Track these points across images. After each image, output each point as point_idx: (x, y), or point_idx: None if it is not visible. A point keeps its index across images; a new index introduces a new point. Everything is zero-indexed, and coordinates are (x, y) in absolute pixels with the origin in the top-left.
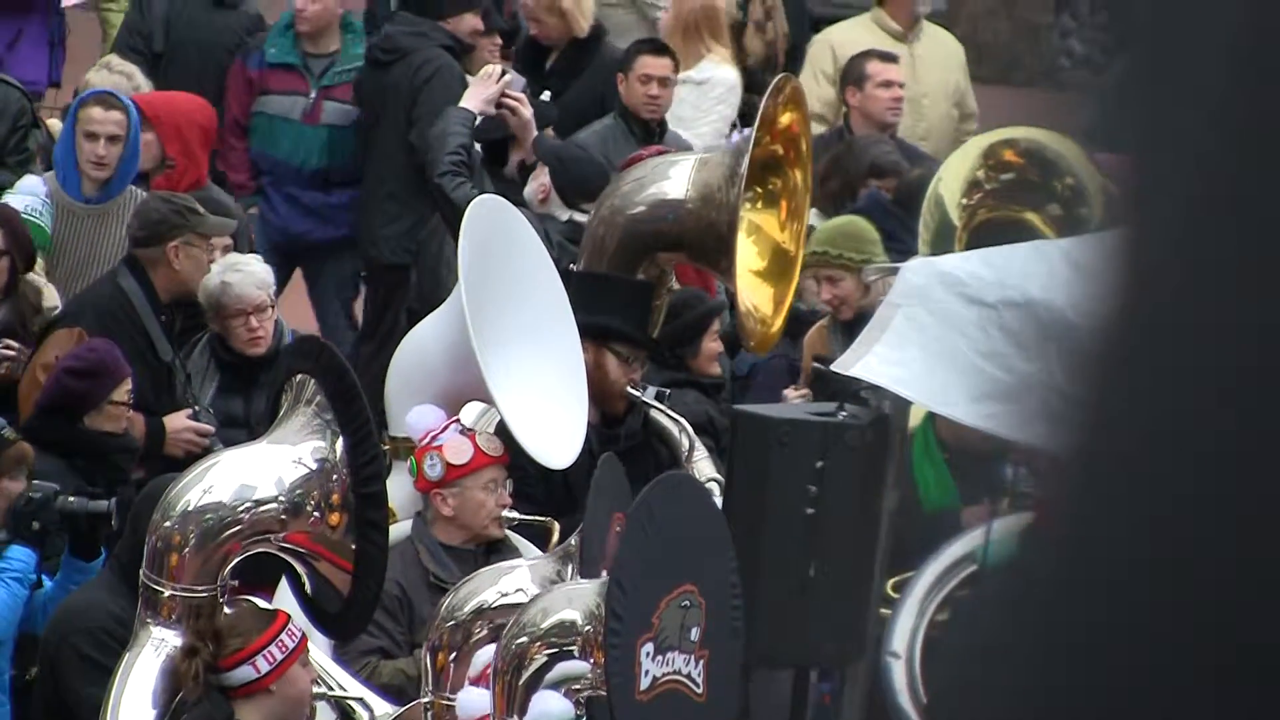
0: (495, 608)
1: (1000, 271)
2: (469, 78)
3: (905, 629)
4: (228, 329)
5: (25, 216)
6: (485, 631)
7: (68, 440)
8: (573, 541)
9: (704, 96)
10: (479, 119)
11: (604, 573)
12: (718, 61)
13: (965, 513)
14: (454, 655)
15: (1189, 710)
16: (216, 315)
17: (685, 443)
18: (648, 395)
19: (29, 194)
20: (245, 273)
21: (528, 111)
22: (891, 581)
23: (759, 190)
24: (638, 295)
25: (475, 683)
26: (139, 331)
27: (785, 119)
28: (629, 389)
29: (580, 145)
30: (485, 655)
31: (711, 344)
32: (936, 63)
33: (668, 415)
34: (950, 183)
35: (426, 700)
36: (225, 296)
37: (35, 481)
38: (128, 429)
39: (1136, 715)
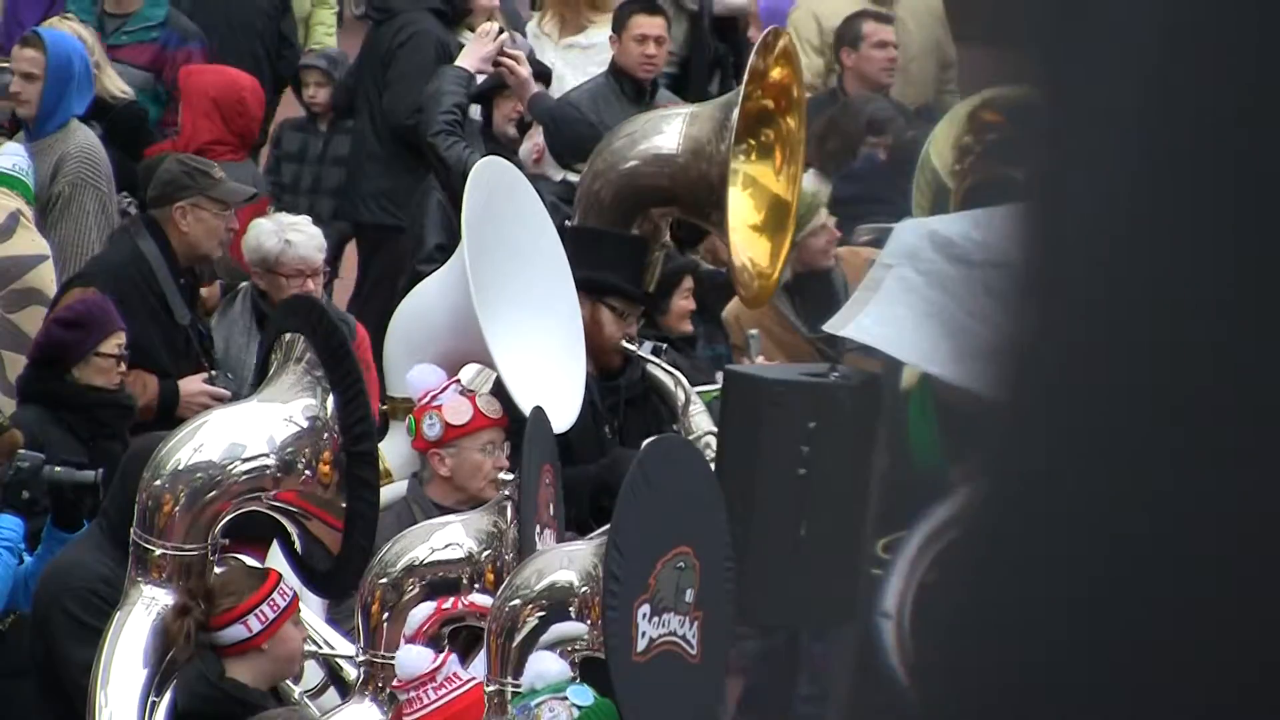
0: (426, 564)
1: (986, 230)
2: (465, 37)
3: (897, 589)
4: (280, 288)
5: (11, 175)
6: (417, 589)
7: (55, 393)
8: (506, 492)
9: (589, 61)
10: (476, 77)
11: (540, 526)
12: (602, 27)
13: (953, 471)
14: (387, 613)
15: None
16: (270, 274)
17: (681, 396)
18: (644, 350)
19: (14, 155)
20: (307, 234)
21: (525, 70)
22: (882, 542)
23: (752, 143)
24: (632, 250)
25: (411, 640)
26: (155, 294)
27: (776, 73)
28: (624, 343)
29: (573, 105)
30: (420, 612)
31: (683, 302)
32: (920, 23)
33: (664, 369)
34: (941, 149)
35: (361, 659)
36: (286, 256)
37: (22, 451)
38: (121, 385)
39: (1091, 695)
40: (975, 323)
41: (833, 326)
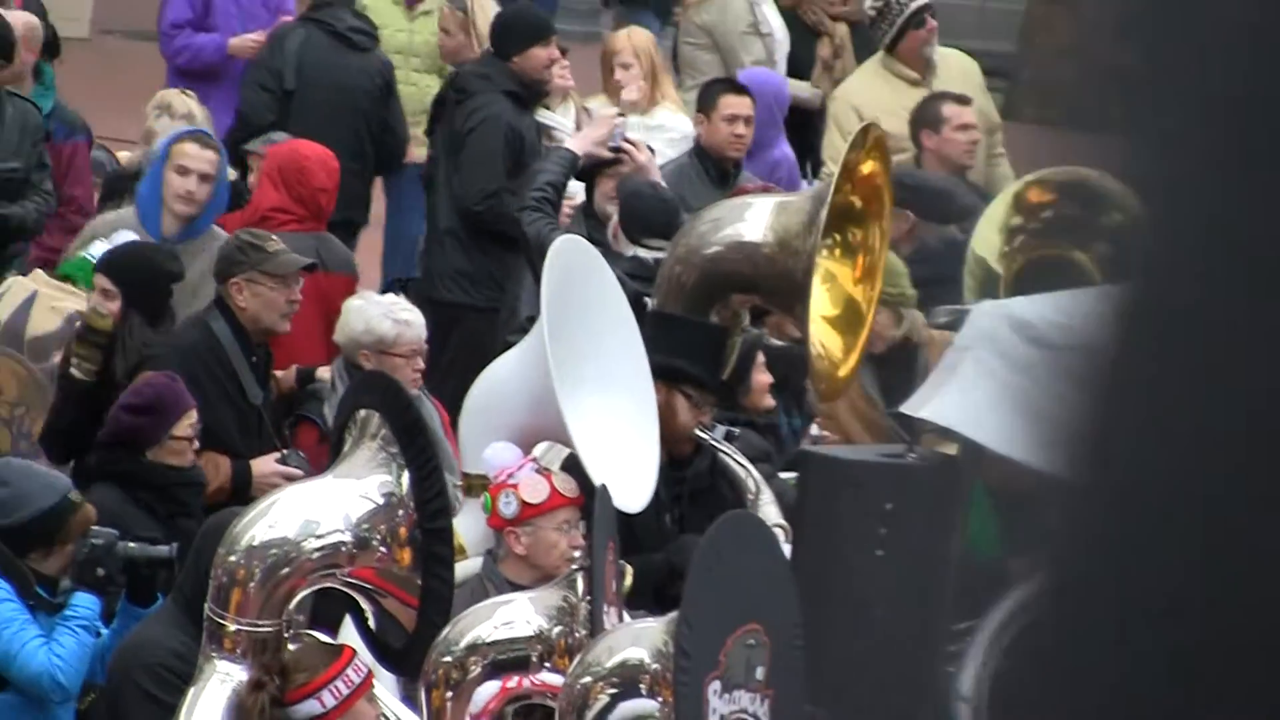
0: (490, 642)
1: (1066, 313)
2: (543, 116)
3: (973, 673)
4: (393, 368)
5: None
6: (480, 667)
7: (132, 473)
8: (574, 567)
9: (655, 140)
10: (579, 160)
11: (608, 608)
12: (672, 109)
13: (1010, 562)
14: (451, 692)
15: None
16: (384, 355)
17: (752, 486)
18: (716, 435)
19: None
20: (415, 314)
21: (644, 155)
22: (959, 626)
23: (837, 238)
24: (710, 338)
25: (475, 719)
26: (228, 374)
27: (867, 168)
28: (698, 431)
29: (652, 184)
30: (485, 691)
31: (761, 377)
32: (965, 90)
33: (734, 458)
34: (986, 237)
35: None
36: (404, 338)
37: (95, 528)
38: (195, 464)
39: None
40: (1056, 407)
41: (910, 408)
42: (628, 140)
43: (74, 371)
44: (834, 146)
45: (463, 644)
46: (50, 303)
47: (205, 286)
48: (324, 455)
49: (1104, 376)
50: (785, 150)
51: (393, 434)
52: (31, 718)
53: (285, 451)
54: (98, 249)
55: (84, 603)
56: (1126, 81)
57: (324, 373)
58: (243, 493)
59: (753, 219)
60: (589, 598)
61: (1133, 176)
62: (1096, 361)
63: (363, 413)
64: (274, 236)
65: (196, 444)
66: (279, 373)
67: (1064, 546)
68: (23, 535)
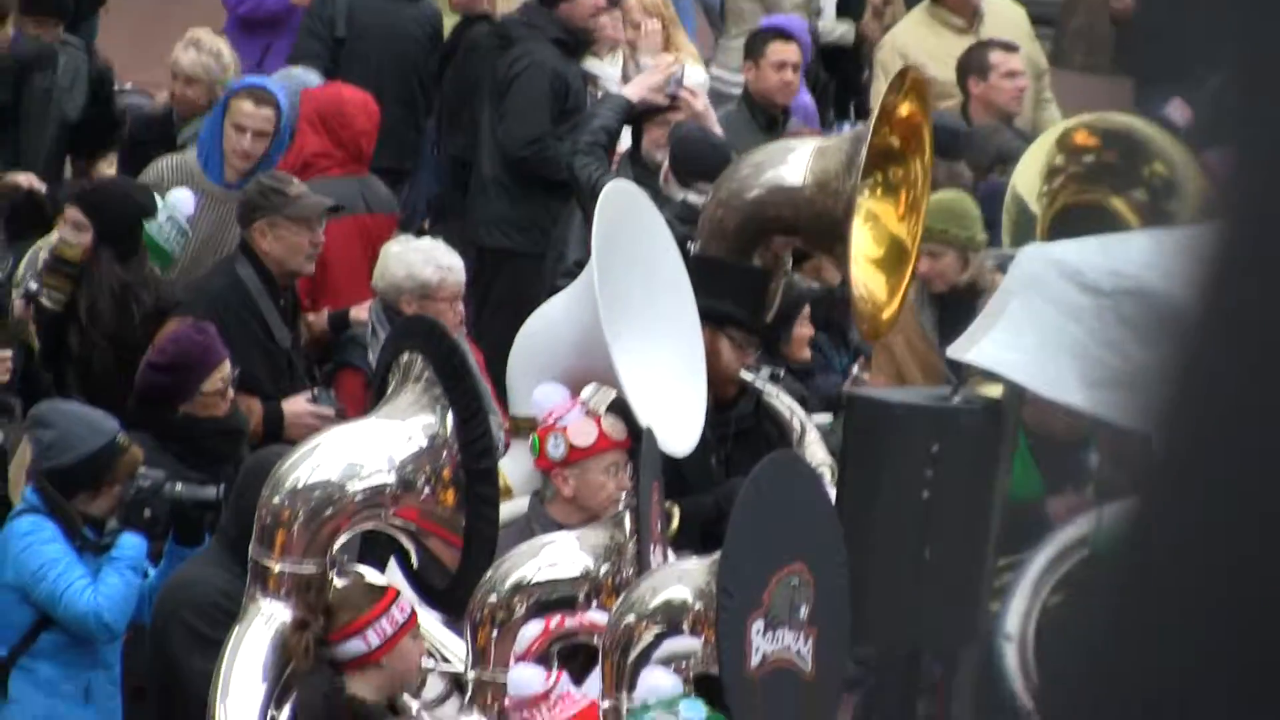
0: (534, 582)
1: (1117, 260)
2: (589, 65)
3: (1019, 611)
4: (436, 314)
5: (148, 234)
6: (525, 607)
7: (164, 426)
8: (620, 507)
9: None
10: (635, 107)
11: (654, 546)
12: (689, 62)
13: (1049, 501)
14: (496, 631)
15: None
16: (426, 300)
17: (797, 426)
18: (761, 378)
19: (170, 205)
20: (456, 260)
21: (701, 103)
22: (1004, 564)
23: (879, 177)
24: (753, 281)
25: (520, 659)
26: (255, 318)
27: (905, 109)
28: (742, 373)
29: (703, 129)
30: (530, 631)
31: (803, 330)
32: (1013, 37)
33: (780, 399)
34: (1026, 176)
35: (471, 675)
36: (447, 282)
37: (143, 469)
38: (232, 411)
39: (1243, 702)
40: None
41: (956, 351)
42: (685, 88)
43: (43, 300)
44: (881, 93)
45: (508, 584)
46: None
47: None
48: (370, 400)
49: (1196, 328)
50: (804, 98)
51: (436, 376)
52: (77, 656)
53: (315, 391)
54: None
55: (130, 544)
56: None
57: (358, 314)
58: (275, 434)
59: (793, 162)
60: (635, 537)
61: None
62: (1186, 313)
63: (406, 356)
64: (295, 180)
65: (231, 393)
66: (310, 316)
67: (1148, 499)
68: (70, 477)
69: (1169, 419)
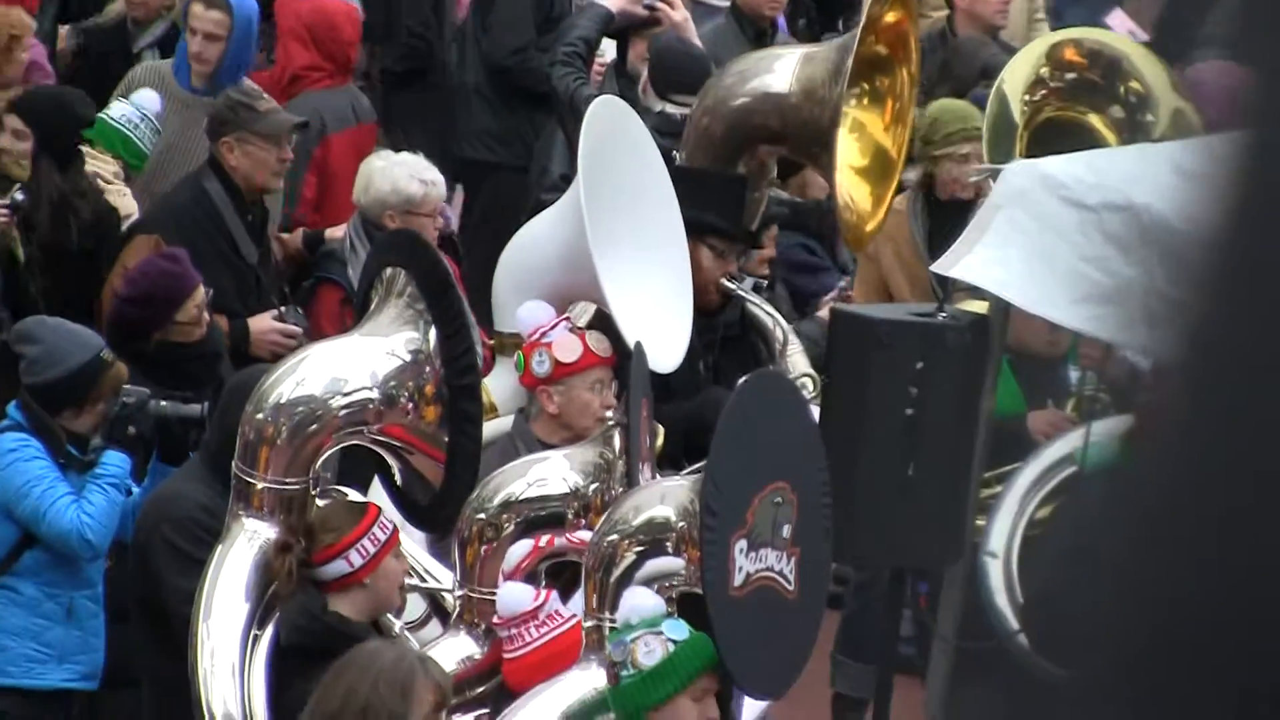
0: (523, 500)
1: (1102, 175)
2: None
3: (1003, 528)
4: (420, 227)
5: (115, 124)
6: (514, 525)
7: (139, 354)
8: (612, 421)
9: None
10: (615, 18)
11: (642, 464)
12: None
13: (1030, 417)
14: (484, 549)
15: None
16: (410, 215)
17: (779, 335)
18: (744, 287)
19: (138, 105)
20: (437, 175)
21: (677, 14)
22: (987, 482)
23: (865, 86)
24: (733, 189)
25: (509, 577)
26: (222, 234)
27: (891, 17)
28: (723, 281)
29: (682, 40)
30: (518, 549)
31: (766, 250)
32: None
33: (762, 308)
34: (1014, 80)
35: (459, 593)
36: (430, 197)
37: (128, 386)
38: (207, 333)
39: (1238, 620)
40: (1092, 267)
41: (941, 266)
42: None
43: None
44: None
45: (496, 501)
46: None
47: None
48: (348, 316)
49: (1216, 244)
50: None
51: (420, 291)
52: (60, 576)
53: (283, 309)
54: (116, 109)
55: (114, 461)
56: None
57: (333, 232)
58: (241, 352)
59: (779, 70)
60: (625, 455)
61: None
62: (1206, 227)
63: (389, 271)
64: (265, 95)
65: (207, 316)
66: (284, 235)
67: (1166, 410)
68: (54, 393)
69: (1175, 332)
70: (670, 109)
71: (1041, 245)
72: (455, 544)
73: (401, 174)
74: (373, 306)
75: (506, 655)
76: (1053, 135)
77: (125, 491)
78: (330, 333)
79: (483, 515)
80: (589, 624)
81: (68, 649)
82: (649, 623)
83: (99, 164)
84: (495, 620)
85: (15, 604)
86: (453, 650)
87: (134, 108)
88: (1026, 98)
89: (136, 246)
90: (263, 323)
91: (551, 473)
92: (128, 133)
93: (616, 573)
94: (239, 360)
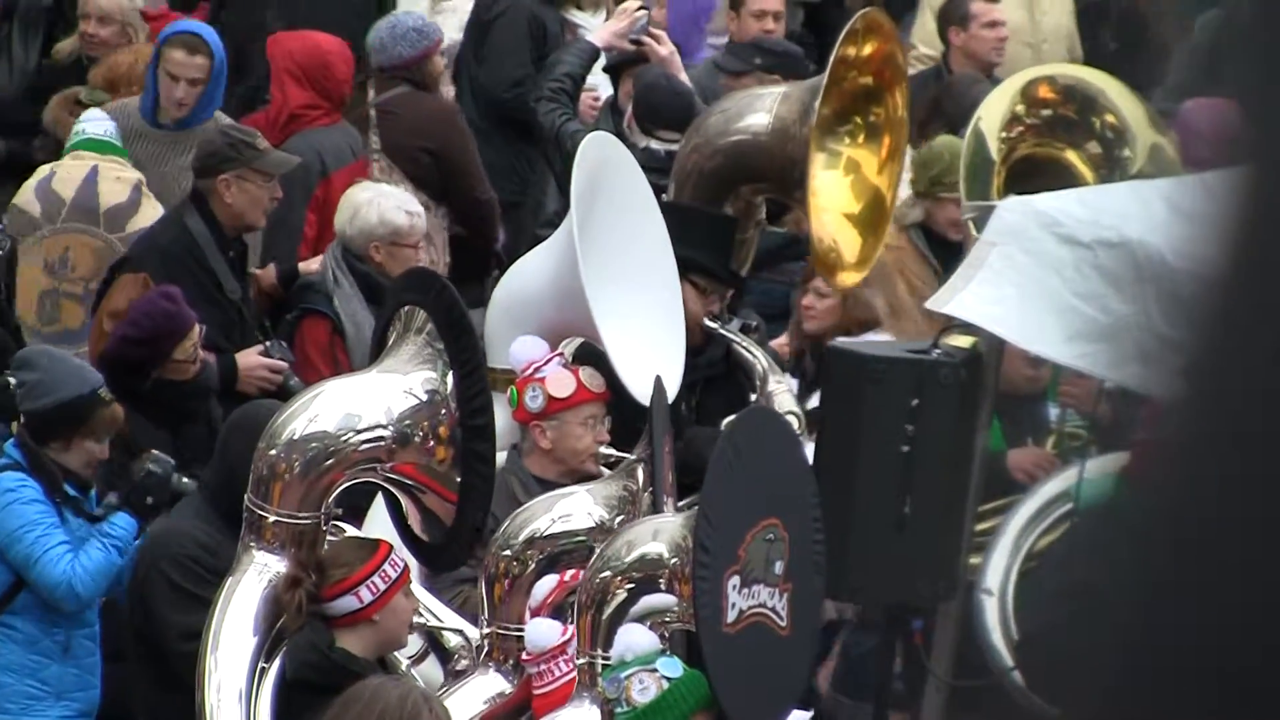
0: (547, 536)
1: (1096, 211)
2: (571, 14)
3: (999, 566)
4: (403, 259)
5: (108, 141)
6: (538, 561)
7: (135, 392)
8: (635, 456)
9: (446, 23)
10: (604, 54)
11: (666, 497)
12: None
13: (1010, 455)
14: (510, 585)
15: None
16: (395, 246)
17: (760, 371)
18: (731, 327)
19: (100, 120)
20: (420, 207)
21: (663, 49)
22: (983, 522)
23: (859, 121)
24: (720, 228)
25: (536, 613)
26: (205, 271)
27: (868, 50)
28: (706, 320)
29: (667, 75)
30: (544, 585)
31: None
32: (1054, 6)
33: (746, 347)
34: (990, 117)
35: (486, 631)
36: (416, 227)
37: (156, 453)
38: (200, 372)
39: (1231, 661)
40: (1086, 304)
41: (935, 303)
42: (650, 33)
43: None
44: (924, 29)
45: (521, 537)
46: (113, 174)
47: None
48: (339, 348)
49: (1220, 281)
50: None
51: (438, 330)
52: (57, 614)
53: (268, 343)
54: (92, 126)
55: (124, 524)
56: None
57: (307, 266)
58: (229, 387)
59: (759, 109)
60: (650, 489)
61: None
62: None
63: (407, 308)
64: (259, 133)
65: (199, 354)
66: (258, 271)
67: (1162, 450)
68: (46, 422)
69: (1175, 373)
70: (655, 145)
71: (1036, 282)
72: (482, 581)
73: (389, 205)
74: (390, 342)
75: (536, 691)
76: (1030, 172)
77: (123, 555)
78: (321, 364)
79: (508, 552)
80: (582, 661)
81: (65, 686)
82: (643, 660)
83: (127, 171)
84: (524, 656)
85: (13, 641)
86: (482, 688)
87: (106, 121)
88: (1003, 135)
89: (123, 285)
90: (250, 358)
91: (576, 508)
92: (115, 143)
93: (609, 610)
94: (225, 397)
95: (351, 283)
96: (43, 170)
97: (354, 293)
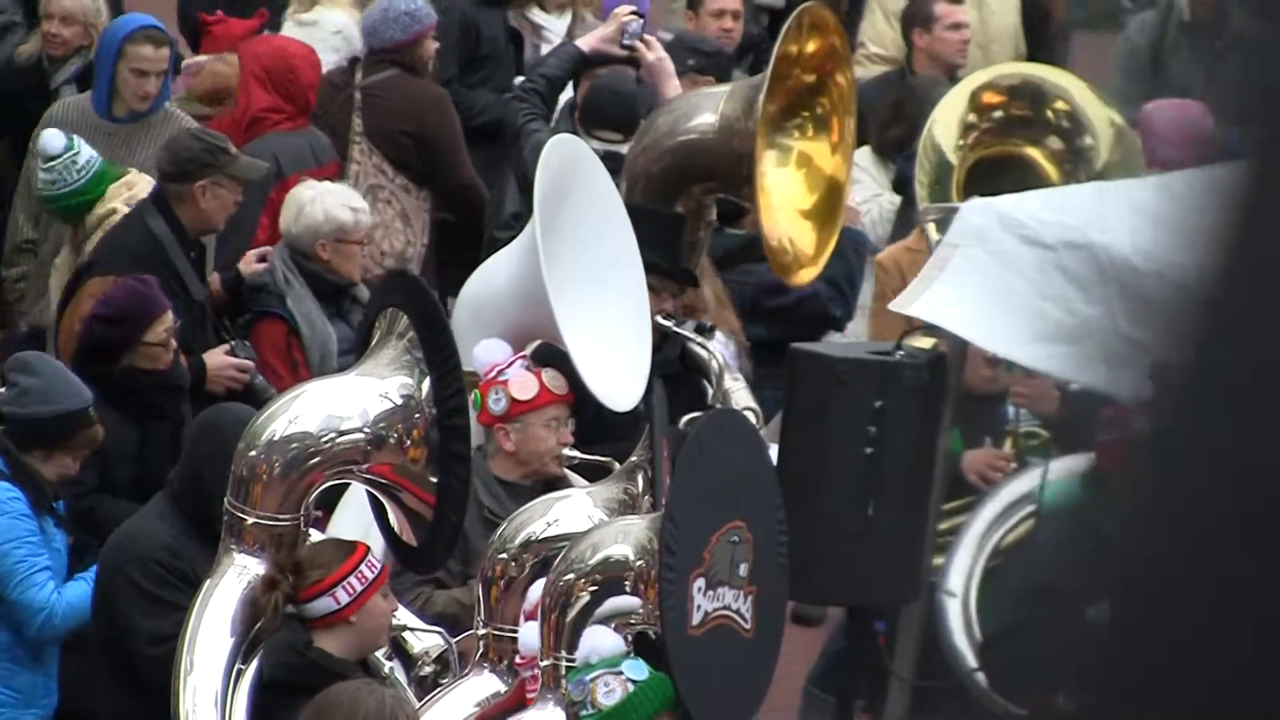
0: (542, 539)
1: (1060, 213)
2: (538, 16)
3: (962, 567)
4: (347, 256)
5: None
6: (532, 565)
7: (106, 379)
8: (635, 460)
9: (311, 38)
10: (589, 57)
11: (664, 500)
12: (329, 5)
13: (965, 457)
14: (505, 587)
15: (1251, 660)
16: (341, 243)
17: (716, 367)
18: (686, 328)
19: (46, 157)
20: (364, 204)
21: (651, 55)
22: (945, 523)
23: (805, 115)
24: (669, 226)
25: (530, 616)
26: (170, 273)
27: (811, 46)
28: (659, 319)
29: (611, 76)
30: (538, 588)
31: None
32: (1002, 6)
33: (700, 345)
34: (944, 126)
35: (482, 632)
36: (360, 225)
37: None
38: (173, 365)
39: (1196, 661)
40: (1050, 305)
41: (899, 305)
42: (641, 38)
43: None
44: (874, 28)
45: (517, 541)
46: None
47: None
48: (295, 348)
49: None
50: None
51: (415, 332)
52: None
53: (233, 343)
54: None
55: None
56: None
57: (245, 268)
58: (198, 387)
59: (706, 108)
60: (650, 492)
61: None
62: (1199, 263)
63: (390, 310)
64: (227, 138)
65: (173, 344)
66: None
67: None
68: (33, 429)
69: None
70: (595, 145)
71: (1000, 283)
72: (479, 583)
73: (333, 202)
74: (373, 344)
75: (530, 693)
76: (993, 172)
77: None
78: (279, 366)
79: (504, 555)
80: (546, 663)
81: (35, 693)
82: (608, 662)
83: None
84: (518, 659)
85: None
86: (477, 689)
87: (47, 168)
88: (960, 141)
89: (91, 288)
90: (217, 358)
91: (572, 511)
92: (55, 193)
93: (573, 612)
94: (193, 397)
95: (302, 283)
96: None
97: (305, 292)
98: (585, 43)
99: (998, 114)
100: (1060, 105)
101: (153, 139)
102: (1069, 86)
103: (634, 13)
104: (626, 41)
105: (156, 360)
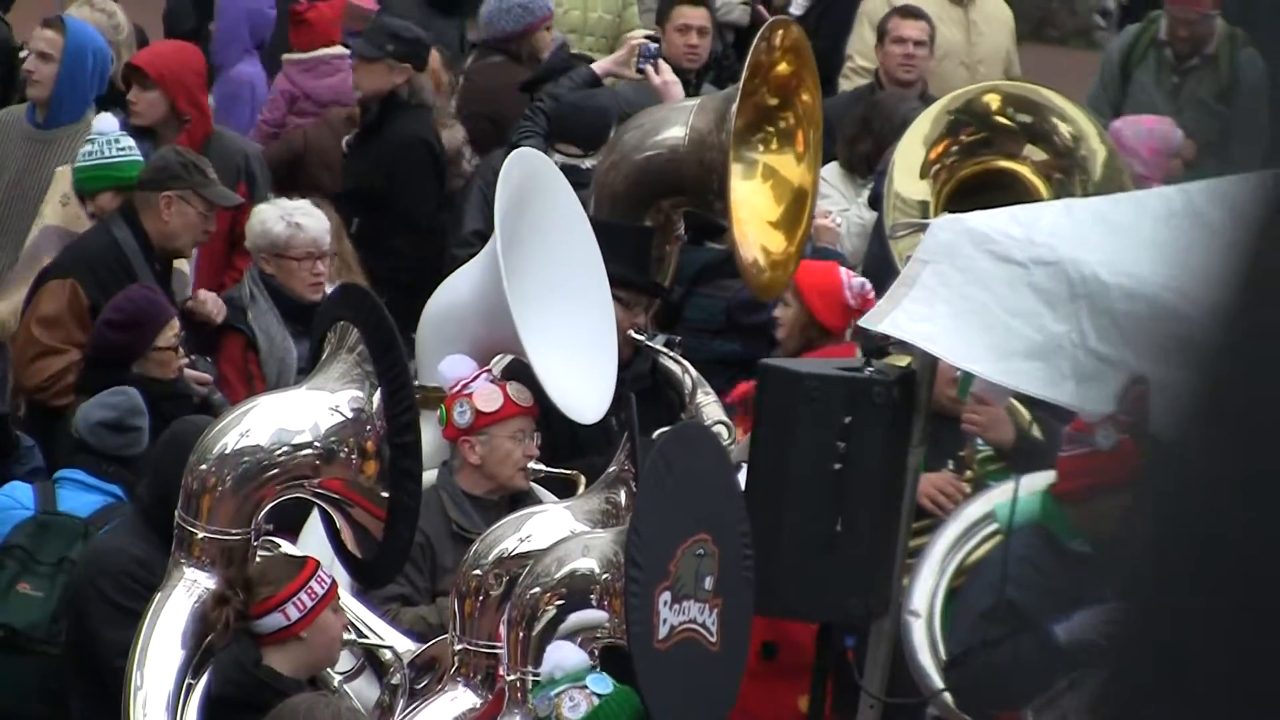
0: (512, 555)
1: (1029, 229)
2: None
3: (925, 588)
4: (289, 272)
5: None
6: (505, 580)
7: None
8: (615, 470)
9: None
10: (603, 80)
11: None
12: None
13: (922, 479)
14: (480, 602)
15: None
16: (279, 259)
17: (689, 384)
18: (656, 342)
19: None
20: (315, 218)
21: (659, 79)
22: (911, 542)
23: (769, 130)
24: (638, 239)
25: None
26: (131, 282)
27: (783, 68)
28: (631, 333)
29: (577, 92)
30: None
31: None
32: (991, 28)
33: (673, 359)
34: (904, 178)
35: (458, 648)
36: (296, 239)
37: None
38: (180, 374)
39: (1163, 684)
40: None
41: (868, 321)
42: (652, 61)
43: None
44: (862, 40)
45: (491, 556)
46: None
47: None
48: (252, 363)
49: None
50: (247, 69)
51: (366, 347)
52: None
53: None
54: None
55: None
56: None
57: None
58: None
59: (675, 122)
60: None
61: None
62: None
63: (340, 324)
64: (210, 163)
65: (182, 353)
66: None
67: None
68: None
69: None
70: (557, 159)
71: (969, 300)
72: (454, 597)
73: (272, 215)
74: (323, 358)
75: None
76: (973, 189)
77: None
78: (235, 380)
79: (479, 570)
80: (512, 678)
81: None
82: (573, 677)
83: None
84: (499, 674)
85: None
86: (453, 704)
87: (91, 138)
88: (935, 167)
89: (51, 291)
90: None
91: (548, 526)
92: (102, 160)
93: (539, 626)
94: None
95: (266, 297)
96: None
97: (269, 307)
98: (600, 66)
99: (966, 137)
100: (1024, 117)
101: (63, 146)
102: (1066, 107)
103: (648, 37)
104: (640, 65)
105: (166, 366)
